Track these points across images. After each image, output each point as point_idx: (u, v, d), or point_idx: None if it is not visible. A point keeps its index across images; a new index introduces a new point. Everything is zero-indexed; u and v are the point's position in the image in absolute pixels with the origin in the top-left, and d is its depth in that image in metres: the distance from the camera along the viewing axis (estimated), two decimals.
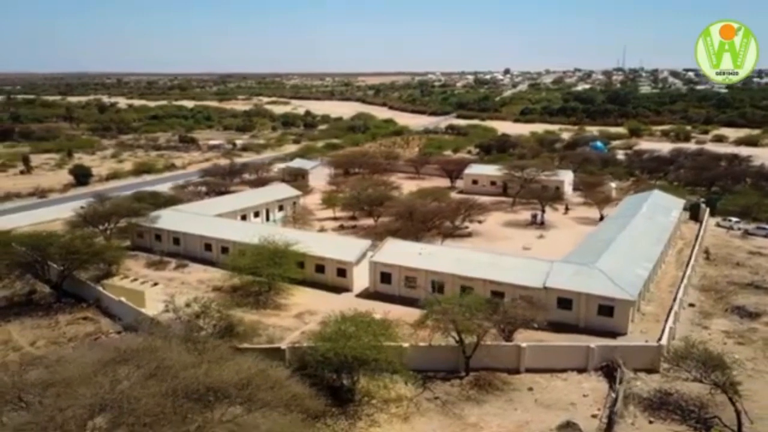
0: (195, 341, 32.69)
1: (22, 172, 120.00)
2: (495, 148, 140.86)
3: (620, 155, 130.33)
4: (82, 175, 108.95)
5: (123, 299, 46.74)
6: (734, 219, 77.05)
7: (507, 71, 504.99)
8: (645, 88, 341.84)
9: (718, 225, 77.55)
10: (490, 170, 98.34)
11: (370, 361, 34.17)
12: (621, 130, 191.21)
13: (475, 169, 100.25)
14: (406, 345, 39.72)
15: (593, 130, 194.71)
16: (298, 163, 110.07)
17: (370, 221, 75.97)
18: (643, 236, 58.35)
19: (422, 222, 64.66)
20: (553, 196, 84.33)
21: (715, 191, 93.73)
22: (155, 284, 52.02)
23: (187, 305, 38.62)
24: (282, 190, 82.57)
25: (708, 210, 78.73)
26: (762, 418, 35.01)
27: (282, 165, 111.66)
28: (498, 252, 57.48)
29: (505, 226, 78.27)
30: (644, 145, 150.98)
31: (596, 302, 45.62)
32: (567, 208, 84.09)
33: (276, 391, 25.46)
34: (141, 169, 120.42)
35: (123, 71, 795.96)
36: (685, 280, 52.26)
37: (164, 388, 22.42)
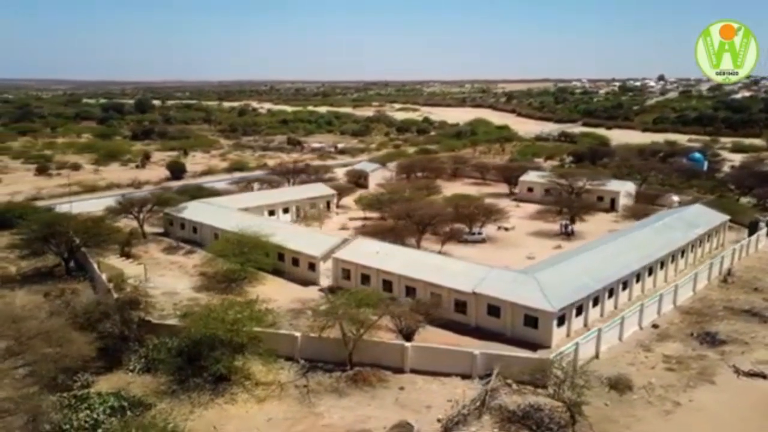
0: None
1: (137, 167, 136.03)
2: (587, 157, 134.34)
3: (726, 168, 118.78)
4: (177, 171, 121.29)
5: (103, 275, 53.12)
6: None
7: (661, 78, 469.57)
8: None
9: None
10: (546, 178, 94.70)
11: (230, 342, 36.60)
12: (757, 141, 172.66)
13: (531, 177, 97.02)
14: (297, 334, 41.50)
15: (727, 141, 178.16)
16: (361, 165, 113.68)
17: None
18: (632, 250, 54.07)
19: (417, 224, 65.00)
20: (586, 205, 79.81)
21: None
22: (139, 264, 58.08)
23: (110, 280, 43.50)
24: (316, 189, 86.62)
25: (766, 230, 70.22)
26: None
27: (349, 168, 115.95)
28: (486, 261, 56.78)
29: (531, 235, 75.58)
30: None
31: (522, 312, 43.89)
32: (577, 219, 79.04)
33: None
34: (233, 167, 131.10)
35: (278, 79, 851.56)
36: (650, 300, 47.88)
37: None
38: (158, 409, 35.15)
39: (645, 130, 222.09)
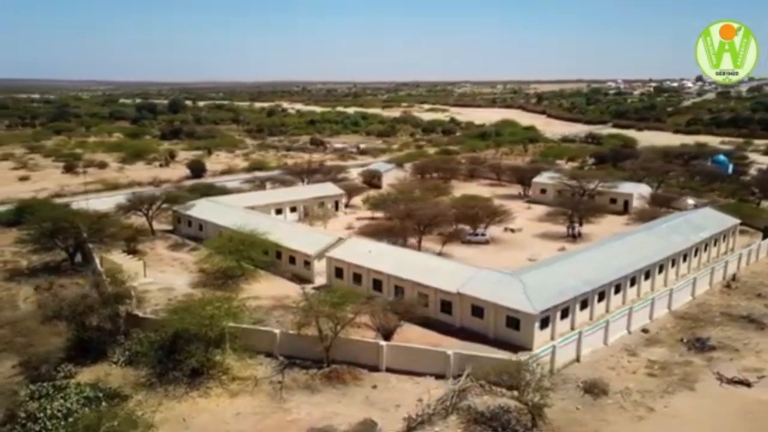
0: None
1: (161, 165, 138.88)
2: (610, 159, 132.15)
3: (753, 171, 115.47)
4: (197, 170, 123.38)
5: (102, 269, 54.50)
6: None
7: (699, 78, 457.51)
8: None
9: None
10: (557, 180, 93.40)
11: (204, 337, 37.25)
12: None
13: (544, 178, 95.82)
14: (276, 331, 41.95)
15: (761, 143, 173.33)
16: (375, 165, 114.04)
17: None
18: (628, 253, 53.00)
19: (417, 224, 64.91)
20: (595, 207, 78.49)
21: None
22: (139, 259, 59.40)
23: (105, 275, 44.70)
24: (325, 189, 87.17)
25: None
26: None
27: (364, 168, 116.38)
28: (476, 263, 56.66)
29: (537, 237, 74.63)
30: None
31: (504, 313, 43.51)
32: (584, 221, 77.47)
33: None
34: (253, 167, 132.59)
35: (311, 80, 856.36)
36: (640, 304, 46.96)
37: None
38: (132, 400, 35.97)
39: (677, 131, 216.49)
